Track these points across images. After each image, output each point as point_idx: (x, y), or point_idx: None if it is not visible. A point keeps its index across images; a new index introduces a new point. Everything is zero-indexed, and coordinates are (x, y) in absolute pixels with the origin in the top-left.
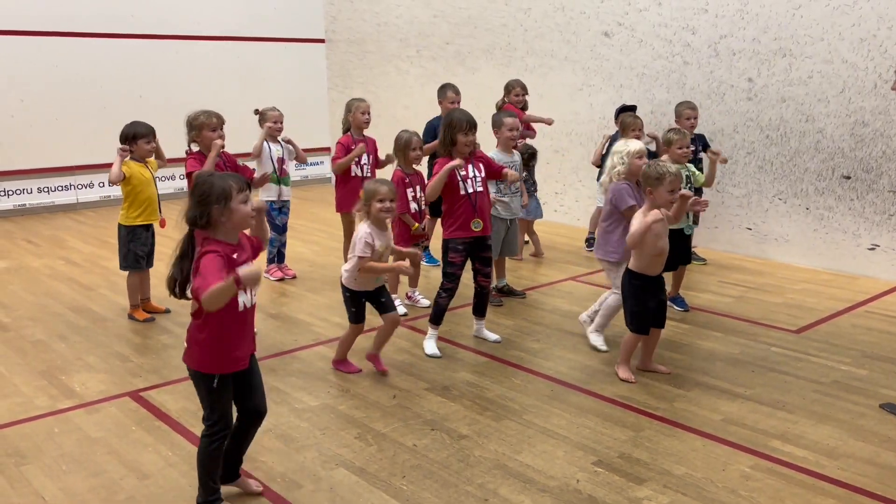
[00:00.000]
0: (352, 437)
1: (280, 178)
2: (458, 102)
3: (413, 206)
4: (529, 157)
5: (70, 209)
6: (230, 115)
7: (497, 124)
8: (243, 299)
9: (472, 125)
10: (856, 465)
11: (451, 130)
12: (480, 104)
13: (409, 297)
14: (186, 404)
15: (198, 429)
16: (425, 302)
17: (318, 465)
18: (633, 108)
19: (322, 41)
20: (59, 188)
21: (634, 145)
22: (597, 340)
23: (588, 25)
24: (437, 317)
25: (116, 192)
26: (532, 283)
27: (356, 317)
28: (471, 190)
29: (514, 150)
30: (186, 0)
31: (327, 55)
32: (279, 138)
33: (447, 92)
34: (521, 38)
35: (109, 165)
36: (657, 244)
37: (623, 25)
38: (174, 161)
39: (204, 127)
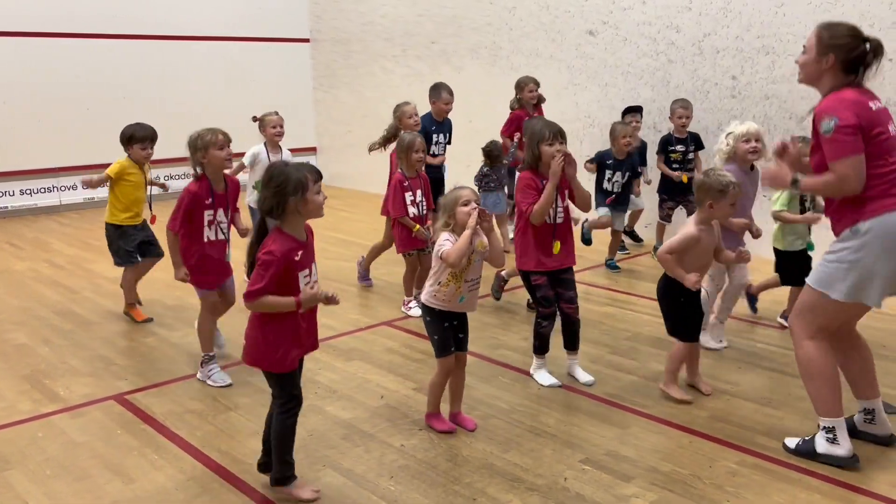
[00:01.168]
0: (339, 439)
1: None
2: (452, 103)
3: (412, 210)
4: (495, 156)
5: (53, 211)
6: (215, 115)
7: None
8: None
9: (555, 134)
10: None
11: (536, 143)
12: (467, 103)
13: (404, 304)
14: (172, 407)
15: (184, 431)
16: (417, 312)
17: (305, 466)
18: (638, 110)
19: (307, 41)
20: (42, 190)
21: (743, 127)
22: (711, 341)
23: (573, 24)
24: (541, 348)
25: (100, 193)
26: (517, 282)
27: (441, 347)
28: (550, 220)
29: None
30: (170, 0)
31: (312, 55)
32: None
33: (441, 92)
34: (507, 36)
35: (93, 167)
36: (703, 259)
37: (607, 24)
38: (166, 161)
39: (210, 146)
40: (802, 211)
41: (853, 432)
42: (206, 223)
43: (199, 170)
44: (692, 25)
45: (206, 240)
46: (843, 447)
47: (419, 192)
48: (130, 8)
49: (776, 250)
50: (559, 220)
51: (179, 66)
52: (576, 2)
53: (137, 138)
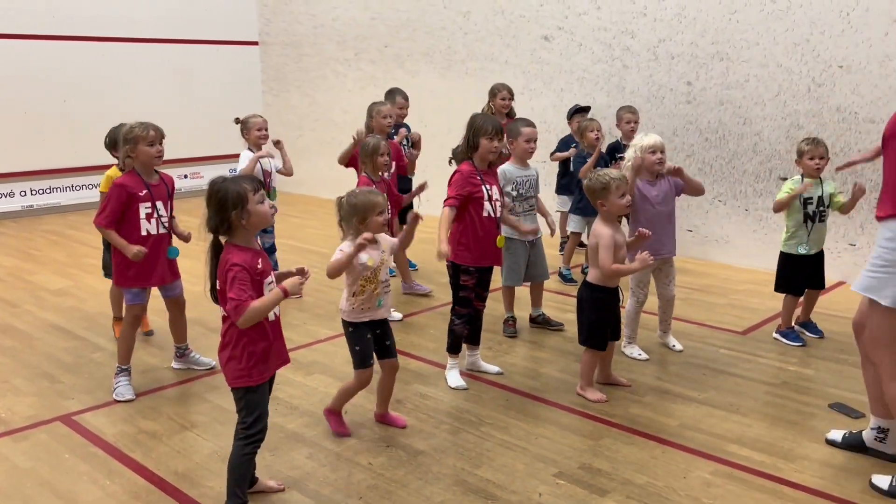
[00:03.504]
0: (303, 458)
1: (267, 193)
2: (407, 108)
3: None
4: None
5: None
6: (161, 121)
7: (513, 133)
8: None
9: (497, 130)
10: (812, 466)
11: (472, 133)
12: (422, 107)
13: None
14: (124, 427)
15: (137, 453)
16: (397, 315)
17: None
18: (586, 110)
19: (256, 43)
20: None
21: (648, 140)
22: (633, 352)
23: (528, 29)
24: (454, 346)
25: (37, 201)
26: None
27: (362, 359)
28: (494, 214)
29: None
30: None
31: (262, 58)
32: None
33: (396, 97)
34: (461, 41)
35: (32, 173)
36: (618, 255)
37: (563, 29)
38: (110, 167)
39: (140, 140)
40: (806, 216)
41: (861, 448)
42: (143, 216)
43: (127, 161)
44: (647, 31)
45: (144, 233)
46: None
47: (384, 196)
48: (70, 8)
49: (781, 252)
50: (500, 213)
51: (123, 69)
52: (531, 7)
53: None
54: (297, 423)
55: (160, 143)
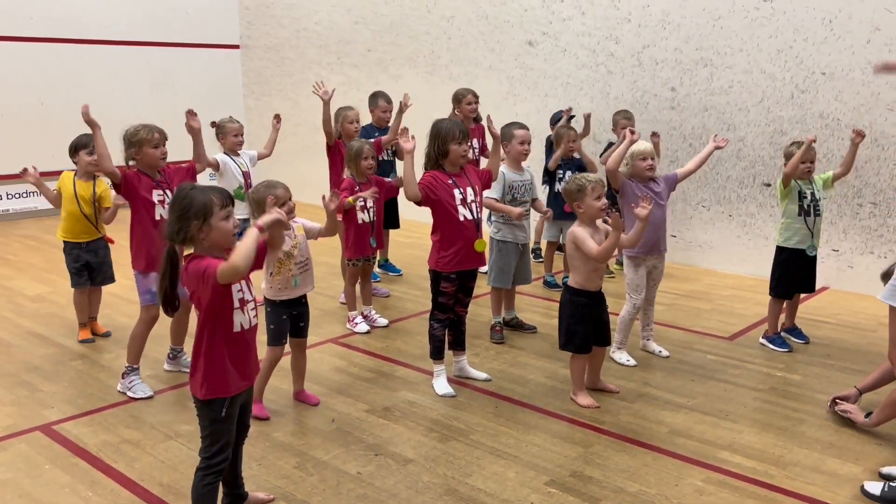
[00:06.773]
0: (290, 467)
1: (247, 193)
2: (391, 111)
3: (362, 216)
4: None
5: None
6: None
7: (507, 137)
8: (240, 319)
9: (465, 134)
10: (803, 473)
11: (440, 141)
12: (406, 112)
13: (364, 317)
14: (106, 437)
15: (120, 464)
16: (383, 321)
17: None
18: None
19: (237, 47)
20: None
21: (638, 146)
22: (621, 357)
23: (512, 34)
24: (436, 351)
25: (14, 205)
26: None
27: (275, 336)
28: (470, 217)
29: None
30: (92, 1)
31: (243, 61)
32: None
33: (378, 100)
34: (445, 46)
35: (8, 177)
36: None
37: (547, 34)
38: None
39: (145, 143)
40: (801, 209)
41: None
42: (157, 202)
43: (131, 164)
44: (631, 37)
45: (158, 217)
46: None
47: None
48: (49, 10)
49: (777, 247)
50: (477, 216)
51: (102, 72)
52: (515, 12)
53: (83, 144)
54: (284, 431)
55: (164, 145)
